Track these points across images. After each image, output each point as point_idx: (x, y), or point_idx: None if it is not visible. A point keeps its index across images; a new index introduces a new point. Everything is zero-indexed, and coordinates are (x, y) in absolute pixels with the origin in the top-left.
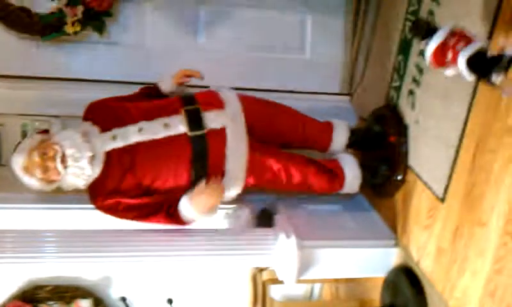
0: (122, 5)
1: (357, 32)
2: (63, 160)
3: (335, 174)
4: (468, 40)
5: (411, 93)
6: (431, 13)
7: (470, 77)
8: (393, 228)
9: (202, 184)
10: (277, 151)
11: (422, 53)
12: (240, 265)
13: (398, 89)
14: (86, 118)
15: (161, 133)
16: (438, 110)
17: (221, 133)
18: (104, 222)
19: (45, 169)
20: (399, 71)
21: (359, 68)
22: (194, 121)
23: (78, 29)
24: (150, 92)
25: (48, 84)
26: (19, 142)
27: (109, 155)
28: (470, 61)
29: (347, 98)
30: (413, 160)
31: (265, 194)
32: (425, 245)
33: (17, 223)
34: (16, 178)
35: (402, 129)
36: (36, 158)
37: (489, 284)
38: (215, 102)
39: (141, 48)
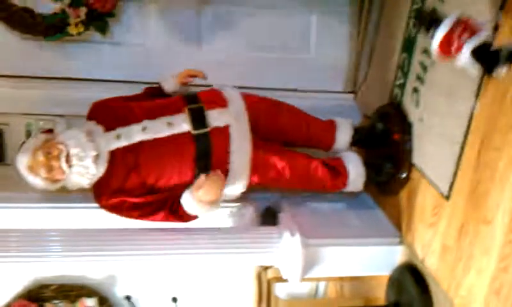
0: (126, 5)
1: (361, 31)
2: (68, 159)
3: (338, 172)
4: (473, 30)
5: (415, 90)
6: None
7: (474, 69)
8: (398, 225)
9: (202, 177)
10: (280, 149)
11: (425, 51)
12: (244, 263)
13: (402, 86)
14: (90, 117)
15: (165, 132)
16: (442, 107)
17: (224, 131)
18: (109, 221)
19: (50, 169)
20: (403, 69)
21: (363, 66)
22: (198, 119)
23: (81, 29)
24: (154, 92)
25: (52, 84)
26: (23, 142)
27: (113, 154)
28: (475, 53)
29: (351, 96)
30: (417, 158)
31: (269, 193)
32: (430, 243)
33: (22, 222)
34: (21, 178)
35: (406, 127)
36: (41, 157)
37: (495, 282)
38: (218, 100)
39: (144, 48)
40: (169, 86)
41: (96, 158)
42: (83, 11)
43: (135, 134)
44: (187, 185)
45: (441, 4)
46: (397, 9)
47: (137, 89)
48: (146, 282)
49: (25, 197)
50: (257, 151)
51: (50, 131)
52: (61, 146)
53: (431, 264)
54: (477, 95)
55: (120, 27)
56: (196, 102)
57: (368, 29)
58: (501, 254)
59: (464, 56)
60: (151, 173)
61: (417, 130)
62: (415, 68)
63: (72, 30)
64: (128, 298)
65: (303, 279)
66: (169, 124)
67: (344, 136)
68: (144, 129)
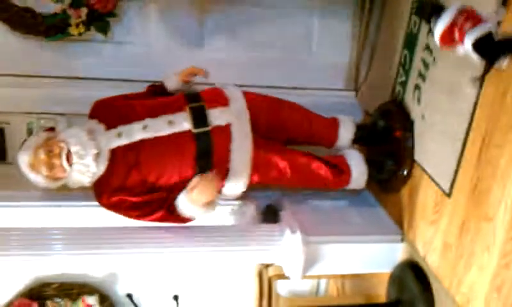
0: (126, 5)
1: (362, 28)
2: (69, 157)
3: (341, 170)
4: (476, 21)
5: (417, 87)
6: None
7: (477, 59)
8: (399, 223)
9: (196, 178)
10: (282, 148)
11: (427, 48)
12: (246, 261)
13: (404, 84)
14: (91, 115)
15: (166, 131)
16: (444, 105)
17: (225, 130)
18: (110, 219)
19: (51, 167)
20: (405, 66)
21: (364, 63)
22: (199, 118)
23: (82, 30)
24: (156, 90)
25: (54, 83)
26: (25, 140)
27: (114, 152)
28: (477, 44)
29: (352, 93)
30: (419, 155)
31: (270, 191)
32: (432, 241)
33: (23, 221)
34: (22, 176)
35: (408, 124)
36: (42, 155)
37: (496, 279)
38: (220, 99)
39: (145, 47)
40: (172, 83)
41: (97, 156)
42: (84, 11)
43: (136, 132)
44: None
45: None
46: (399, 6)
47: (138, 88)
48: (148, 280)
49: (27, 196)
50: (258, 151)
51: (51, 129)
52: (62, 144)
53: (433, 261)
54: (479, 93)
55: (121, 27)
56: (198, 100)
57: (370, 27)
58: (502, 251)
59: (466, 47)
60: (152, 171)
61: (419, 128)
62: (417, 65)
63: (72, 30)
64: (129, 296)
65: (304, 277)
66: (170, 122)
67: (346, 133)
68: (145, 127)
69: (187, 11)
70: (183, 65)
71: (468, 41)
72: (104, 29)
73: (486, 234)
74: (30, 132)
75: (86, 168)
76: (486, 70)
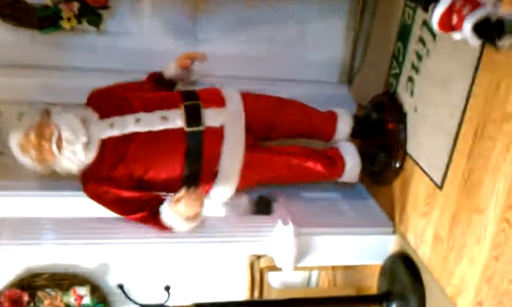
0: None
1: (356, 21)
2: (59, 142)
3: (335, 162)
4: (474, 4)
5: (410, 80)
6: None
7: (476, 42)
8: (391, 215)
9: (183, 191)
10: (275, 150)
11: (421, 40)
12: (238, 252)
13: (397, 76)
14: (87, 103)
15: (158, 126)
16: (437, 97)
17: (218, 132)
18: (102, 209)
19: (40, 150)
20: (398, 58)
21: (358, 55)
22: (193, 117)
23: (74, 24)
24: (157, 78)
25: (46, 72)
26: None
27: (105, 142)
28: (476, 27)
29: (346, 86)
30: (411, 148)
31: None
32: (423, 233)
33: (15, 211)
34: (14, 165)
35: (400, 116)
36: (33, 137)
37: (487, 270)
38: (217, 99)
39: (138, 39)
40: (170, 70)
41: (87, 144)
42: (76, 6)
43: (128, 125)
44: (176, 182)
45: None
46: None
47: (130, 78)
48: (139, 271)
49: (19, 186)
50: (251, 154)
51: (47, 112)
52: (53, 129)
53: (424, 253)
54: (472, 85)
55: (114, 18)
56: (194, 98)
57: (364, 19)
58: (493, 242)
59: (466, 31)
60: (140, 165)
61: (412, 120)
62: (410, 57)
63: (64, 24)
64: (120, 287)
65: (296, 268)
66: (164, 118)
67: (344, 127)
68: (138, 121)
69: (182, 3)
70: (176, 55)
71: (468, 25)
72: (96, 22)
73: (477, 226)
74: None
75: (74, 155)
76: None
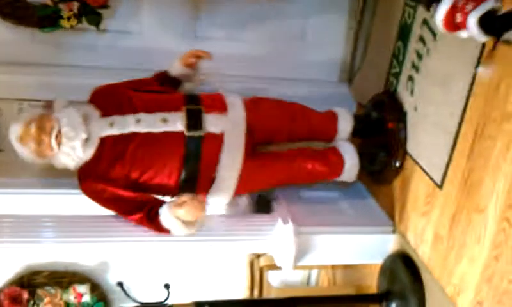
0: None
1: (356, 20)
2: (58, 136)
3: (333, 162)
4: (477, 1)
5: (410, 79)
6: None
7: (482, 38)
8: (391, 214)
9: (185, 196)
10: (275, 157)
11: (421, 39)
12: (237, 250)
13: (397, 75)
14: (90, 100)
15: (158, 128)
16: (437, 96)
17: (218, 138)
18: (101, 208)
19: (39, 142)
20: (398, 57)
21: (358, 54)
22: (194, 121)
23: (74, 23)
24: (163, 78)
25: (46, 70)
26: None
27: (104, 140)
28: (482, 21)
29: (346, 85)
30: (411, 147)
31: None
32: (423, 232)
33: (15, 208)
34: (15, 161)
35: (400, 115)
36: (33, 130)
37: (487, 270)
38: (219, 104)
39: (138, 36)
40: (175, 69)
41: (86, 141)
42: (75, 5)
43: (128, 125)
44: (172, 186)
45: None
46: None
47: (130, 77)
48: (139, 268)
49: (19, 183)
50: (250, 162)
51: (49, 106)
52: (54, 123)
53: (424, 253)
54: (472, 84)
55: (114, 16)
56: (197, 103)
57: (364, 18)
58: (493, 242)
59: (471, 28)
60: (137, 166)
61: (412, 119)
62: (410, 57)
63: (64, 23)
64: (120, 284)
65: (296, 267)
66: (164, 120)
67: (346, 127)
68: (138, 121)
69: (181, 1)
70: (177, 54)
71: (472, 21)
72: (96, 21)
73: (477, 225)
74: None
75: (72, 151)
76: (494, 46)
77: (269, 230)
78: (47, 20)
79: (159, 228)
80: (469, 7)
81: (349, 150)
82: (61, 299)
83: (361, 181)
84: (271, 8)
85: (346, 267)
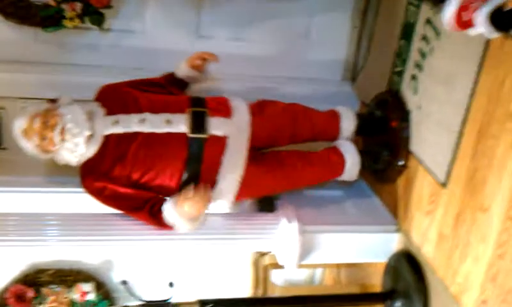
0: None
1: (359, 19)
2: (62, 132)
3: (334, 162)
4: None
5: (413, 77)
6: None
7: (493, 35)
8: (395, 213)
9: (189, 190)
10: (277, 163)
11: (424, 38)
12: (241, 249)
13: (400, 74)
14: (96, 98)
15: (162, 129)
16: (440, 95)
17: (221, 141)
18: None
19: (43, 137)
20: (402, 56)
21: (361, 53)
22: (198, 123)
23: (77, 23)
24: (170, 79)
25: (49, 69)
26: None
27: (108, 139)
28: (491, 18)
29: (349, 83)
30: (415, 146)
31: None
32: (427, 231)
33: (20, 206)
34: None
35: (404, 114)
36: (37, 124)
37: (491, 269)
38: (224, 108)
39: (141, 36)
40: (181, 70)
41: (90, 138)
42: (78, 6)
43: (133, 124)
44: (172, 187)
45: None
46: None
47: (133, 76)
48: (143, 267)
49: (23, 181)
50: (252, 167)
51: (54, 101)
52: (58, 118)
53: (428, 252)
54: (476, 83)
55: (117, 16)
56: (202, 105)
57: (367, 17)
58: (498, 241)
59: (481, 25)
60: (139, 165)
61: (415, 118)
62: (414, 55)
63: (67, 23)
64: (124, 283)
65: (300, 266)
66: (168, 121)
67: (348, 125)
68: (142, 121)
69: (184, 0)
70: (180, 54)
71: (481, 17)
72: (99, 21)
73: (481, 224)
74: None
75: (75, 147)
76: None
77: (273, 229)
78: (50, 20)
79: (162, 224)
80: (476, 4)
81: (349, 149)
82: (65, 297)
83: (365, 180)
84: (275, 7)
85: (350, 266)
